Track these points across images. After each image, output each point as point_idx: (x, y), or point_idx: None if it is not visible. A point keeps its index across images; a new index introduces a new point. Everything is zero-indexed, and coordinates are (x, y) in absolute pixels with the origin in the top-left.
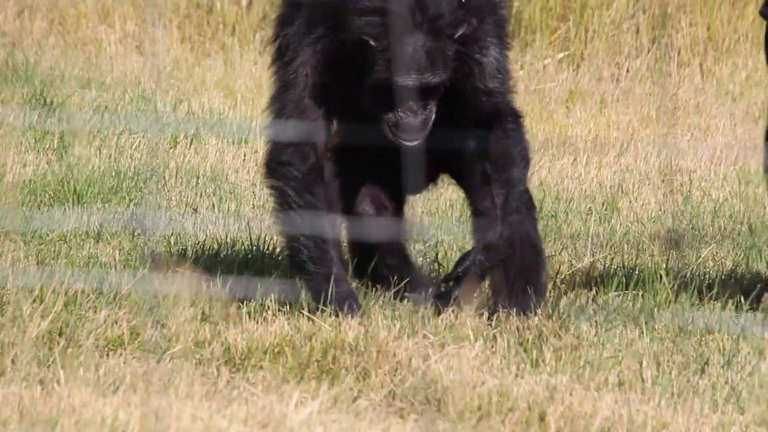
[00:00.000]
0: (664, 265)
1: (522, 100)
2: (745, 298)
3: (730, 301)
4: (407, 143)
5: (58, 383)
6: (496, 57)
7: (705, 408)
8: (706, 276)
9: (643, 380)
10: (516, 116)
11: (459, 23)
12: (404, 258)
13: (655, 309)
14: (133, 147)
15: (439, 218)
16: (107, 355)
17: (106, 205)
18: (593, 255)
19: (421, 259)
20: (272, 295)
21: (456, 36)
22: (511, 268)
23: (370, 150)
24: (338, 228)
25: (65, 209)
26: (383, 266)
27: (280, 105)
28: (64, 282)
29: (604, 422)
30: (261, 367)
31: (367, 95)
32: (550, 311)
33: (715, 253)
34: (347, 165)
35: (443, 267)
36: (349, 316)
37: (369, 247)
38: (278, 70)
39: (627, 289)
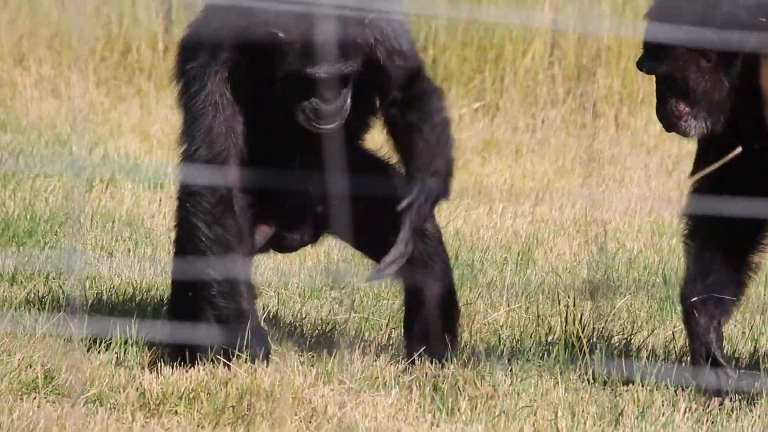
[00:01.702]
0: (580, 316)
1: None
2: (660, 350)
3: (644, 352)
4: (324, 128)
5: None
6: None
7: None
8: (621, 327)
9: (558, 430)
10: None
11: (368, 10)
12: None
13: (570, 359)
14: (48, 190)
15: (355, 264)
16: (21, 398)
17: (21, 248)
18: (509, 304)
19: (337, 306)
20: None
21: (366, 22)
22: (428, 314)
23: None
24: (250, 263)
25: None
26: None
27: (190, 136)
28: None
29: None
30: (176, 413)
31: (280, 87)
32: (466, 360)
33: (629, 304)
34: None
35: (359, 314)
36: (265, 361)
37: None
38: (186, 102)
39: (542, 339)
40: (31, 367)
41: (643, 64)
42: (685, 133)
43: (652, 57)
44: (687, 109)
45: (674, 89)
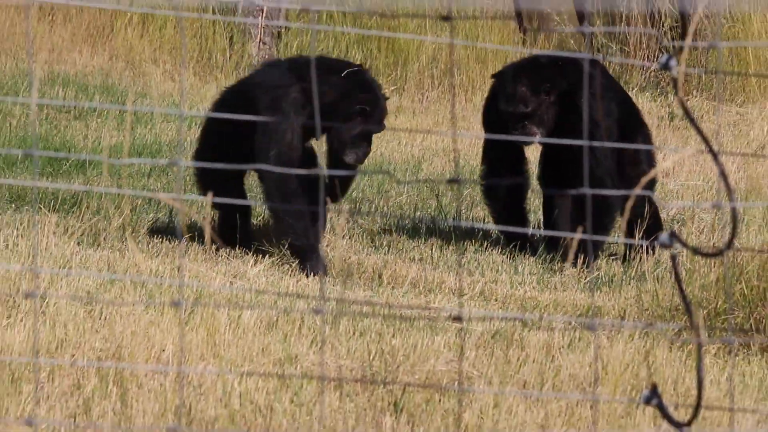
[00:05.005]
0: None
1: None
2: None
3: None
4: (359, 164)
5: (127, 250)
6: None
7: None
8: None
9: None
10: None
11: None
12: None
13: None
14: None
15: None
16: (154, 236)
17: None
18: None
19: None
20: None
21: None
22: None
23: None
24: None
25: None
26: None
27: (275, 142)
28: (131, 196)
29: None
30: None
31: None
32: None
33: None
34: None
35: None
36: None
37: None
38: (276, 125)
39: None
40: (160, 221)
41: (511, 107)
42: (530, 144)
43: (518, 102)
44: (536, 130)
45: (531, 119)
